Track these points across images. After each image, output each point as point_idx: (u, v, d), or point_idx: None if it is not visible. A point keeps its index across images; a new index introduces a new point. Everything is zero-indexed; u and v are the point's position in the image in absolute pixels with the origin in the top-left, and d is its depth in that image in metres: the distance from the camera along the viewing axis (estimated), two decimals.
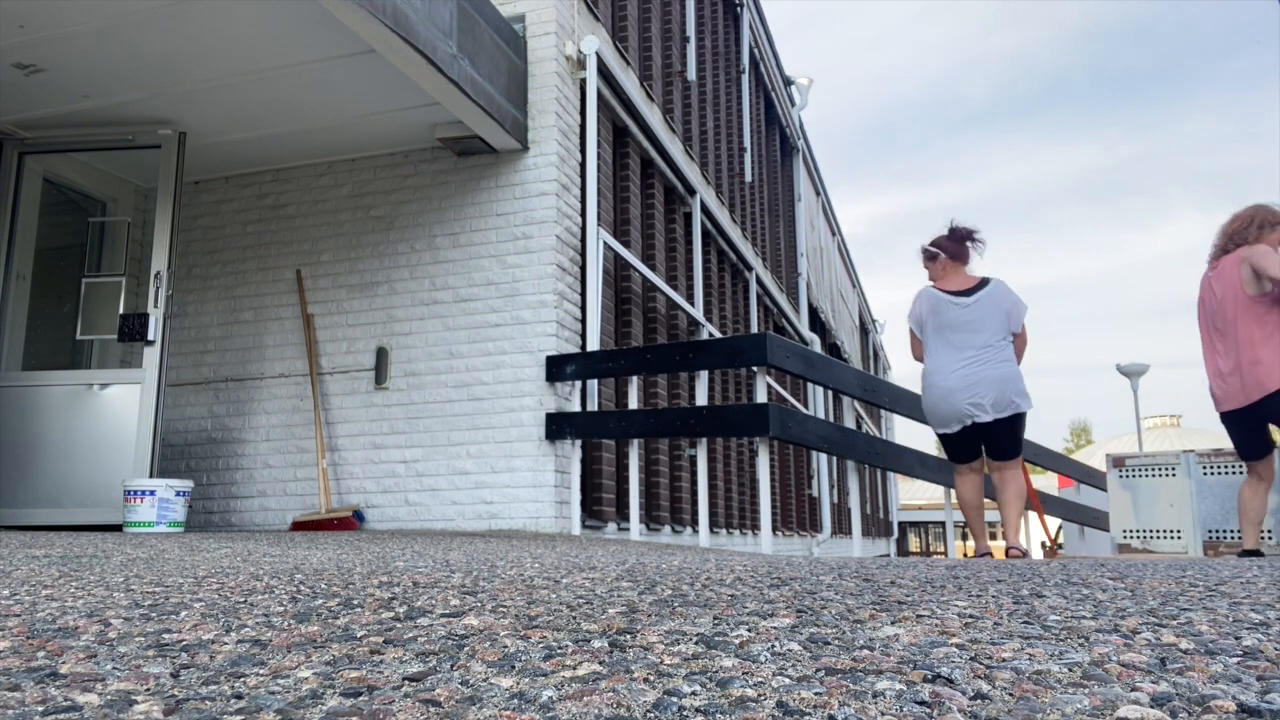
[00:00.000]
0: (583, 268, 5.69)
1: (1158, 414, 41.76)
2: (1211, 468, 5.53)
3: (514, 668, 0.74)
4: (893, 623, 0.94)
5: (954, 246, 4.70)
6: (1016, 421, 4.48)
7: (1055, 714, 0.60)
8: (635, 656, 0.78)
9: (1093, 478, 9.40)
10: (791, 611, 1.03)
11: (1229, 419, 4.33)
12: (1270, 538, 5.21)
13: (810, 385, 11.30)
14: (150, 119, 5.27)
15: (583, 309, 5.66)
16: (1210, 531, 5.42)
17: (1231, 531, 5.36)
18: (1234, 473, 5.59)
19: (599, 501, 5.64)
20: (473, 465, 5.32)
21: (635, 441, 5.24)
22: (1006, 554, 4.40)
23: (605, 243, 5.86)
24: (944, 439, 4.69)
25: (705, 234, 8.62)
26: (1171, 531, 5.52)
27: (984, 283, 4.59)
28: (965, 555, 5.29)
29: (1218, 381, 4.36)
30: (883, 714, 0.60)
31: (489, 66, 5.11)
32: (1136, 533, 5.66)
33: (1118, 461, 5.81)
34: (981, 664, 0.74)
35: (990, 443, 4.53)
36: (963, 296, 4.54)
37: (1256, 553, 4.28)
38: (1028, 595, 1.22)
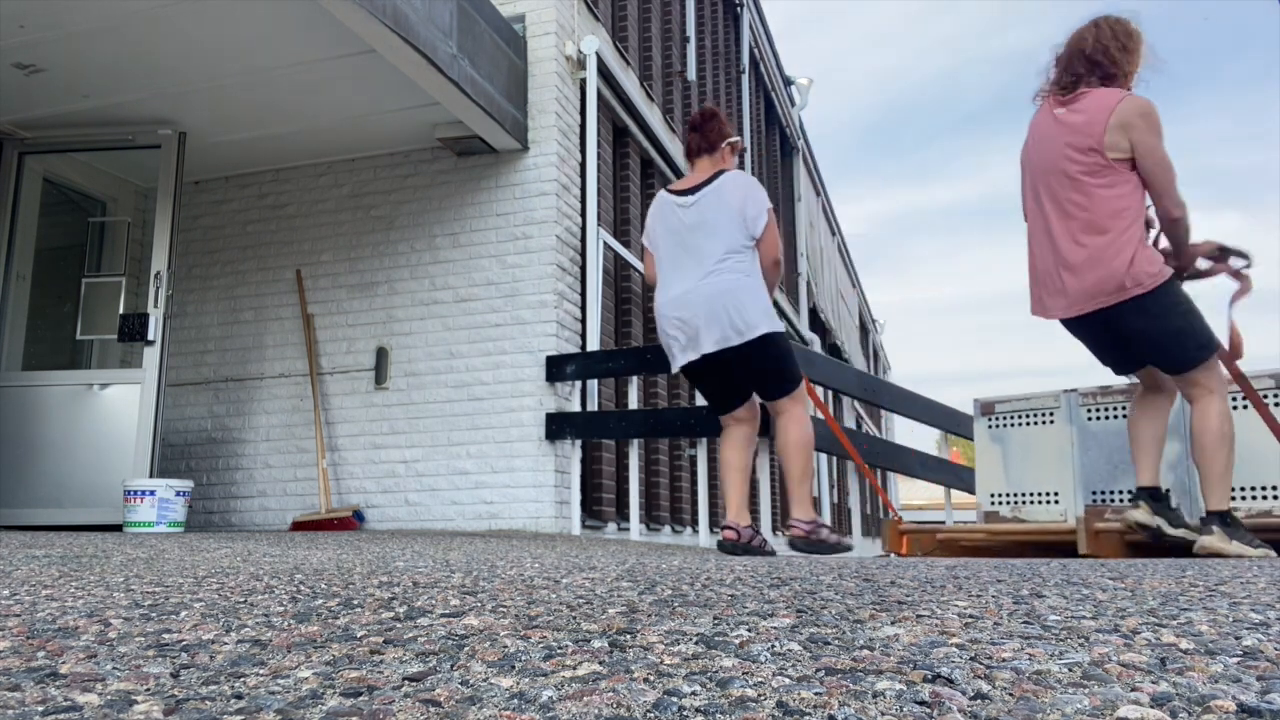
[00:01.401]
0: (583, 268, 5.69)
1: None
2: (1098, 410, 4.19)
3: (514, 668, 0.74)
4: (893, 623, 0.94)
5: (694, 136, 3.70)
6: (760, 351, 3.37)
7: (1055, 714, 0.60)
8: (635, 656, 0.78)
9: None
10: (791, 611, 1.03)
11: (1076, 327, 3.20)
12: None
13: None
14: (150, 119, 5.27)
15: (583, 309, 5.66)
16: (1095, 494, 4.09)
17: (1121, 492, 4.01)
18: (1126, 416, 4.06)
19: (599, 502, 5.64)
20: (473, 465, 5.32)
21: (635, 441, 5.24)
22: (723, 540, 3.36)
23: (605, 243, 5.86)
24: (691, 380, 3.71)
25: None
26: (1048, 494, 4.24)
27: (715, 176, 3.53)
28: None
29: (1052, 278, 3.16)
30: (883, 714, 0.60)
31: (489, 66, 5.11)
32: (1005, 497, 4.37)
33: (986, 408, 4.52)
34: (981, 664, 0.74)
35: (743, 383, 3.51)
36: (686, 195, 3.54)
37: (1153, 496, 3.12)
38: (1028, 595, 1.22)
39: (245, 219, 6.14)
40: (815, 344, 13.08)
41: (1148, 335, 3.02)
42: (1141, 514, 3.08)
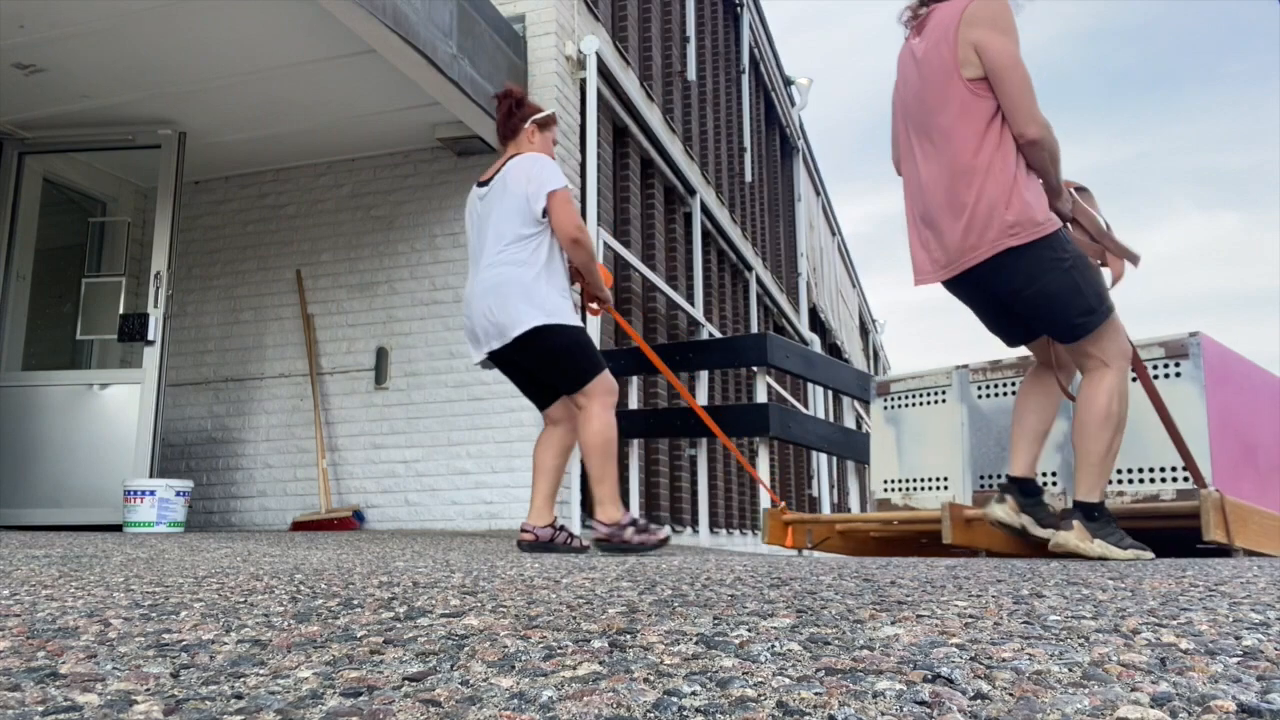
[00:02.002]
0: None
1: None
2: (988, 387, 3.79)
3: (514, 668, 0.74)
4: (893, 623, 0.94)
5: (499, 121, 3.43)
6: (535, 346, 3.13)
7: (1055, 714, 0.60)
8: (635, 656, 0.78)
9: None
10: (791, 611, 1.03)
11: (957, 290, 2.71)
12: (1054, 482, 3.45)
13: (810, 385, 11.30)
14: (150, 119, 5.27)
15: (583, 309, 5.66)
16: (983, 478, 3.71)
17: (997, 476, 3.69)
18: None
19: None
20: (473, 465, 5.32)
21: (635, 441, 5.23)
22: (519, 541, 3.20)
23: (605, 243, 5.86)
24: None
25: (705, 234, 8.62)
26: (938, 480, 3.85)
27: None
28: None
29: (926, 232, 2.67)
30: (883, 714, 0.60)
31: (489, 66, 5.11)
32: (898, 484, 4.01)
33: (882, 388, 4.19)
34: (981, 664, 0.74)
35: (543, 379, 3.29)
36: (483, 186, 3.35)
37: (1024, 490, 2.66)
38: (1028, 595, 1.22)
39: (245, 219, 6.14)
40: (815, 344, 13.08)
41: (1026, 298, 2.52)
42: (1004, 511, 2.60)
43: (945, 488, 3.84)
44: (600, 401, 3.19)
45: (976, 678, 0.69)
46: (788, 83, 13.63)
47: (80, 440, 4.96)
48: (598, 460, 3.14)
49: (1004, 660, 0.75)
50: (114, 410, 4.99)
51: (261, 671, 0.74)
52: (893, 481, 4.06)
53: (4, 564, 2.14)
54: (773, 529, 3.98)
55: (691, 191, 8.00)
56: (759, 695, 0.64)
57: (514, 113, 3.40)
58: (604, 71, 6.00)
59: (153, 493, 4.57)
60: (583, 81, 5.85)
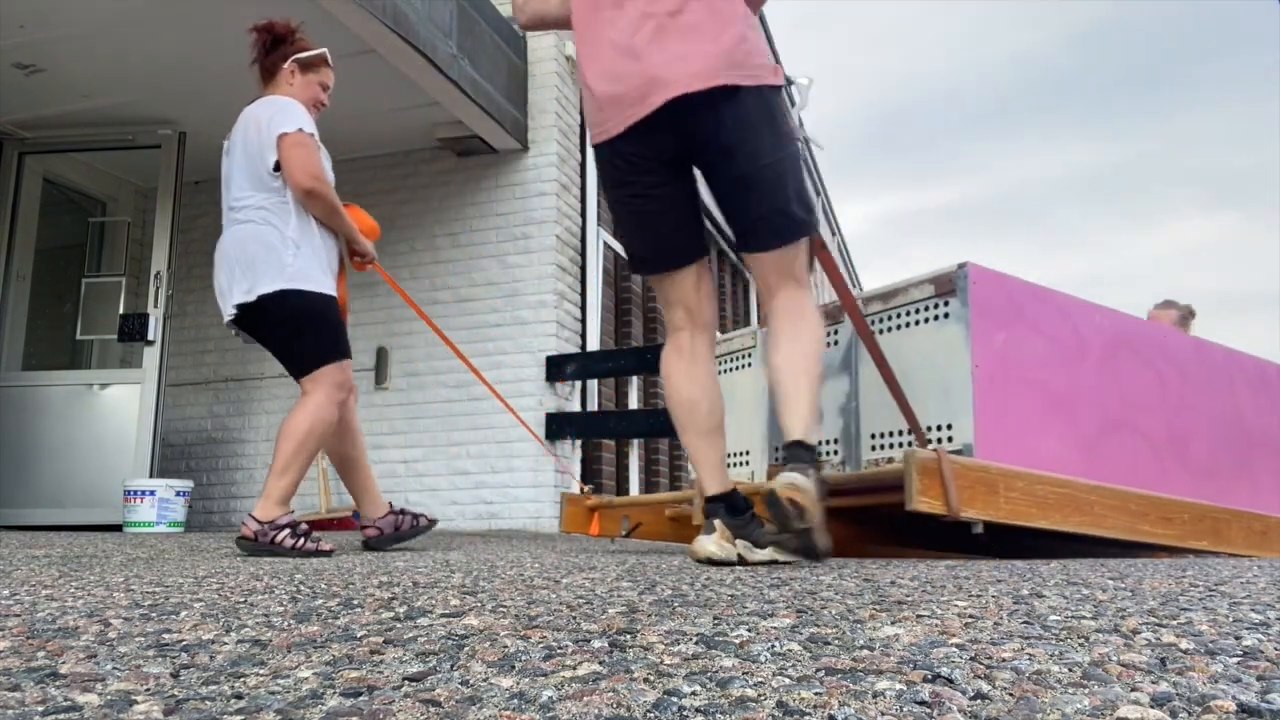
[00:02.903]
0: (583, 268, 5.69)
1: None
2: None
3: (514, 668, 0.74)
4: (893, 623, 0.94)
5: (256, 61, 3.03)
6: (265, 315, 2.89)
7: (1055, 714, 0.60)
8: (635, 656, 0.78)
9: None
10: (791, 611, 1.03)
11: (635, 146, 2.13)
12: (836, 451, 2.93)
13: None
14: (150, 119, 5.27)
15: (583, 309, 5.66)
16: (777, 449, 3.22)
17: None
18: (829, 346, 3.09)
19: None
20: (473, 465, 5.32)
21: (635, 441, 5.24)
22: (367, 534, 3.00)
23: (605, 243, 5.86)
24: None
25: None
26: (742, 455, 3.40)
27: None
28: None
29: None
30: (883, 714, 0.60)
31: (489, 66, 5.11)
32: None
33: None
34: (981, 664, 0.74)
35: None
36: (227, 141, 3.03)
37: (732, 508, 2.08)
38: (1028, 595, 1.22)
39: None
40: None
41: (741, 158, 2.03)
42: (715, 545, 1.97)
43: (746, 463, 3.39)
44: (326, 393, 2.88)
45: (976, 678, 0.69)
46: (788, 83, 13.63)
47: (80, 440, 4.96)
48: (291, 450, 2.78)
49: (1004, 660, 0.75)
50: (114, 410, 4.99)
51: (261, 671, 0.74)
52: None
53: (4, 564, 2.14)
54: (571, 515, 3.40)
55: None
56: (759, 695, 0.64)
57: (270, 50, 2.98)
58: None
59: (153, 493, 4.57)
60: None
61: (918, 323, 2.72)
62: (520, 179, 5.52)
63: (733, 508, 2.10)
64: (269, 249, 2.82)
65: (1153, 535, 2.73)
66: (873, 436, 2.85)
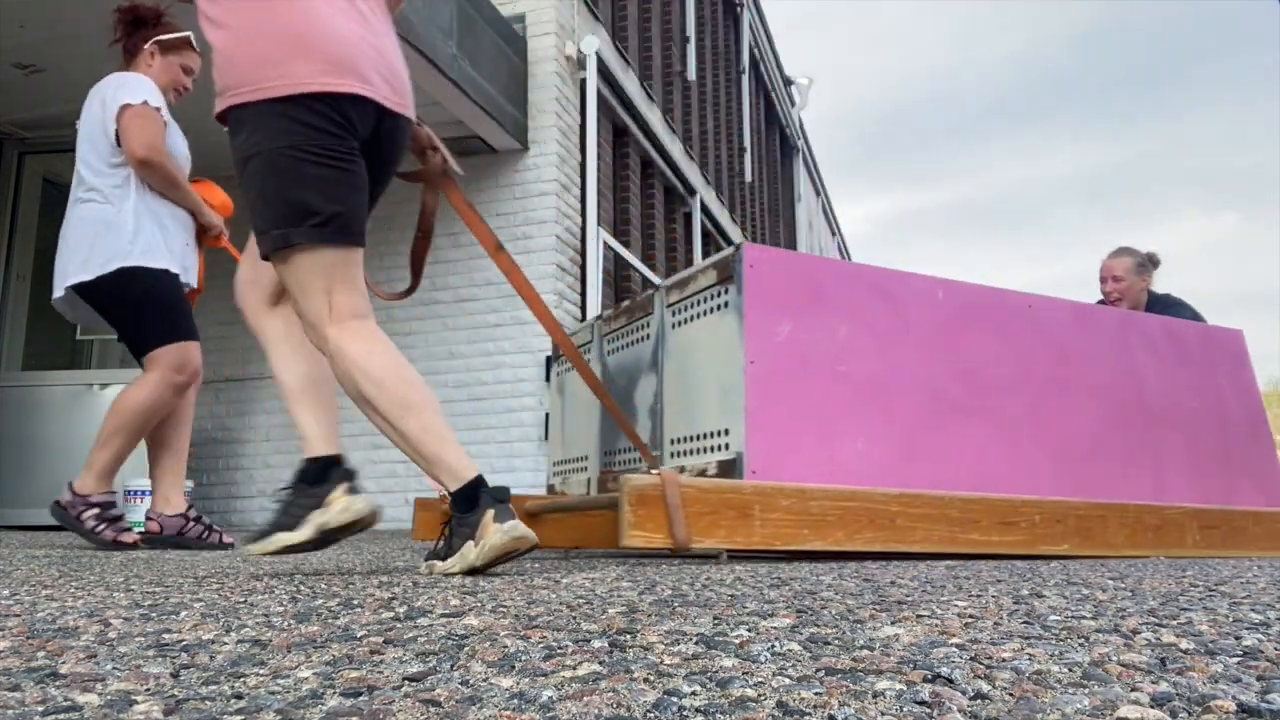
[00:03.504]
0: (583, 268, 5.69)
1: None
2: (614, 339, 2.98)
3: (514, 668, 0.74)
4: (893, 623, 0.94)
5: (118, 41, 3.02)
6: (104, 295, 2.80)
7: (1055, 714, 0.60)
8: (635, 656, 0.78)
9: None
10: (791, 611, 1.03)
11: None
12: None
13: None
14: None
15: (583, 309, 5.66)
16: (608, 453, 2.90)
17: (624, 450, 2.79)
18: (637, 342, 2.80)
19: None
20: None
21: None
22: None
23: (605, 243, 5.86)
24: None
25: (705, 234, 8.62)
26: (581, 460, 3.06)
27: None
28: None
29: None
30: (883, 714, 0.60)
31: (489, 66, 5.11)
32: (559, 466, 3.22)
33: (555, 352, 3.39)
34: (981, 664, 0.74)
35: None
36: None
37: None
38: (1028, 595, 1.22)
39: (245, 219, 6.14)
40: None
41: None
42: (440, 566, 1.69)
43: (584, 469, 3.03)
44: (161, 374, 2.79)
45: (976, 678, 0.69)
46: (788, 83, 13.63)
47: (80, 440, 4.96)
48: (114, 424, 2.74)
49: (1004, 660, 0.75)
50: None
51: (261, 671, 0.74)
52: (560, 463, 3.23)
53: (4, 564, 2.14)
54: (424, 521, 2.94)
55: (691, 191, 8.00)
56: (759, 695, 0.64)
57: (132, 32, 2.97)
58: (604, 71, 6.00)
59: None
60: (583, 81, 5.85)
61: (704, 314, 2.39)
62: (520, 179, 5.52)
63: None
64: (107, 227, 2.77)
65: (986, 545, 2.27)
66: (673, 442, 2.48)
